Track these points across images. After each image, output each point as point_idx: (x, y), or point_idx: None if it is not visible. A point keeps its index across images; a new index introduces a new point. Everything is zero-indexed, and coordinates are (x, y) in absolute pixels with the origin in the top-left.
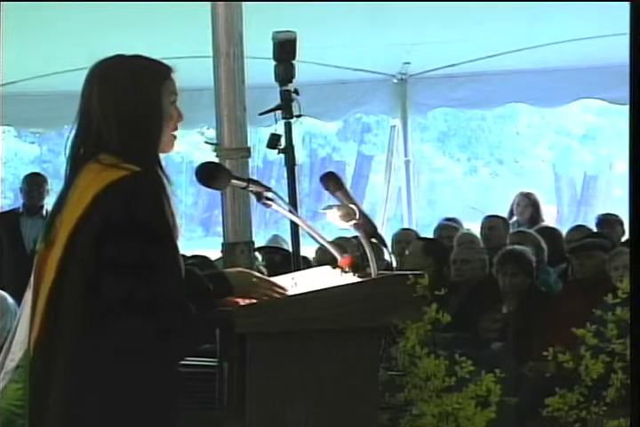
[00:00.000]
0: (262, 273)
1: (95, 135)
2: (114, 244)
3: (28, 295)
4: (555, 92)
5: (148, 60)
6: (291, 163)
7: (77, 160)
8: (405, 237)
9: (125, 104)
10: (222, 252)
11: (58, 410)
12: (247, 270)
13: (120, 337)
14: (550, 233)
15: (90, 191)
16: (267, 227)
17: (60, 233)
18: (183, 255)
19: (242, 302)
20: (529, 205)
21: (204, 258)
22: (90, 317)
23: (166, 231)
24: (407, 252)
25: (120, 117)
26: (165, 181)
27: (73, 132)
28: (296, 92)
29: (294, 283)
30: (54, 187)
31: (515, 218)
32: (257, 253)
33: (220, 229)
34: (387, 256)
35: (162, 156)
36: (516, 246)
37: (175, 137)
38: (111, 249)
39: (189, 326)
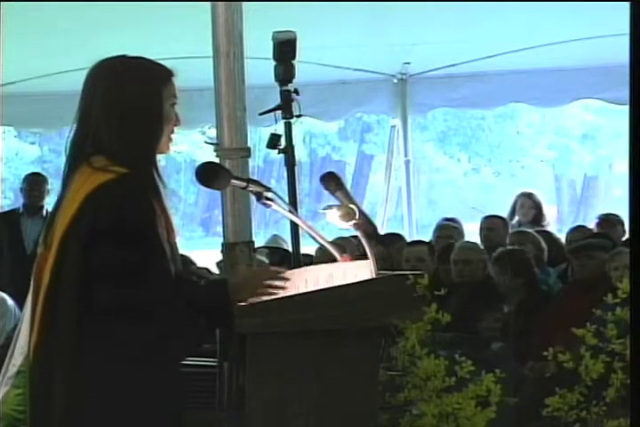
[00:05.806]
0: None
1: (92, 136)
2: (100, 247)
3: (30, 300)
4: (555, 92)
5: (150, 62)
6: (291, 163)
7: (73, 162)
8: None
9: (127, 104)
10: (222, 252)
11: (58, 415)
12: (243, 271)
13: (113, 340)
14: (545, 238)
15: (80, 195)
16: (267, 227)
17: (55, 237)
18: (182, 256)
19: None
20: (532, 206)
21: (183, 257)
22: (85, 320)
23: (151, 234)
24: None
25: (121, 118)
26: (159, 183)
27: (72, 132)
28: (296, 92)
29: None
30: (55, 187)
31: (517, 218)
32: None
33: (220, 229)
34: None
35: (163, 156)
36: (516, 246)
37: (172, 139)
38: (98, 253)
39: (182, 327)
